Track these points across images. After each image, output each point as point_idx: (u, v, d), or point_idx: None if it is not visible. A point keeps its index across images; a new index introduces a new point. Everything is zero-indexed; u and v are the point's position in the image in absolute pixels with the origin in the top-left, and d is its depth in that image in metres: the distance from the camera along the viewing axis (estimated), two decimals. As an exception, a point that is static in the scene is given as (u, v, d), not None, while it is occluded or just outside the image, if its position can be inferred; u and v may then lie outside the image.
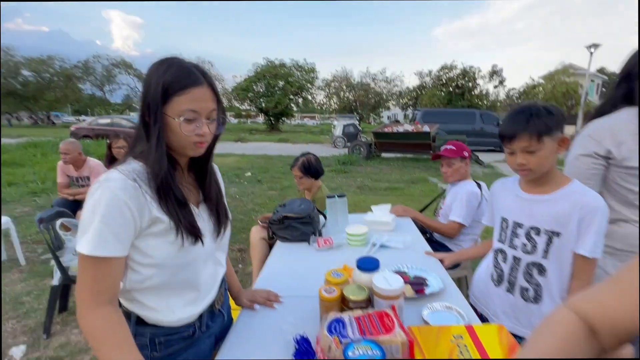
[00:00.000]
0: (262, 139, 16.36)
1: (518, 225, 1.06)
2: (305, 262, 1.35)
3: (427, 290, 1.07)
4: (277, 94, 22.44)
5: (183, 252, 0.71)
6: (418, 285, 1.10)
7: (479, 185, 1.87)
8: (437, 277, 1.15)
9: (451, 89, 25.41)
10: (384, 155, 9.67)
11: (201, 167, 0.81)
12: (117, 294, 0.67)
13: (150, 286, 0.71)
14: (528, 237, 1.03)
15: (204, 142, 0.72)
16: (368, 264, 0.95)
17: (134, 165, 0.68)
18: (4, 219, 2.65)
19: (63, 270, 1.85)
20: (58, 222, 1.94)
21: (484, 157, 9.06)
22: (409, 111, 29.34)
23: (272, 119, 24.28)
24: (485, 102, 25.27)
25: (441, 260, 1.31)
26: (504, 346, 0.76)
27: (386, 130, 8.95)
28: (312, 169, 2.08)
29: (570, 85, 19.31)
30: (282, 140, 16.11)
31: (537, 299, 1.02)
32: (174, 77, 0.66)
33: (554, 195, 0.98)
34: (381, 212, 1.72)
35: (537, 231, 1.00)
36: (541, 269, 1.01)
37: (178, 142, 0.70)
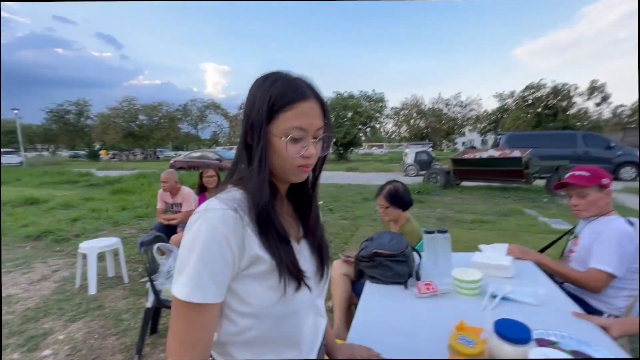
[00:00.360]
0: (331, 168, 16.63)
1: None
2: (406, 312, 1.12)
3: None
4: (345, 124, 23.00)
5: (285, 299, 0.58)
6: (583, 365, 0.79)
7: (631, 223, 1.43)
8: (606, 353, 0.82)
9: (540, 110, 22.80)
10: (464, 184, 8.84)
11: (302, 195, 0.70)
12: (209, 347, 0.56)
13: (248, 340, 0.59)
14: None
15: (309, 165, 0.61)
16: (513, 332, 0.70)
17: (234, 193, 0.60)
18: (115, 239, 3.06)
19: (156, 293, 1.94)
20: (155, 247, 2.07)
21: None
22: (488, 136, 27.09)
23: (340, 148, 24.82)
24: (584, 122, 21.95)
25: (605, 329, 0.96)
26: None
27: (467, 156, 8.22)
28: (400, 198, 1.88)
29: None
30: (351, 169, 16.15)
31: None
32: (280, 92, 0.57)
33: None
34: (494, 253, 1.41)
35: None
36: None
37: (281, 165, 0.60)
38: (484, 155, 7.91)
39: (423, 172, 10.16)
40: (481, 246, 1.49)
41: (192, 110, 36.78)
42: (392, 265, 1.36)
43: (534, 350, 0.65)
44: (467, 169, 8.22)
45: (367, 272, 1.40)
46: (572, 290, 1.52)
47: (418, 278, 1.34)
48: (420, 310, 1.13)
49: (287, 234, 0.62)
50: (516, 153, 7.46)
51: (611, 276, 1.36)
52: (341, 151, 24.92)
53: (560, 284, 1.54)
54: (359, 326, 1.06)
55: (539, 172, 7.73)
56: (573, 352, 0.84)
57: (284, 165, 0.60)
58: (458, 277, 1.22)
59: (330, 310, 1.84)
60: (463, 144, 38.13)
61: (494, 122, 26.14)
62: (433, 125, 25.25)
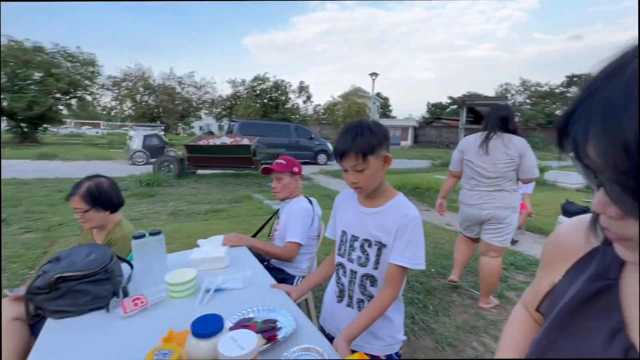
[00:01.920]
0: (7, 155, 12.09)
1: (355, 238, 1.19)
2: (105, 343, 1.01)
3: (280, 335, 1.01)
4: (31, 90, 17.29)
5: None
6: (269, 331, 1.03)
7: (310, 202, 2.04)
8: (287, 314, 1.12)
9: (265, 101, 27.65)
10: (200, 172, 9.21)
11: None
12: None
13: None
14: (362, 249, 1.17)
15: None
16: (207, 326, 0.80)
17: None
18: None
19: None
20: None
21: (302, 169, 10.28)
22: (224, 122, 29.65)
23: (24, 125, 18.49)
24: (297, 115, 28.99)
25: (288, 294, 1.31)
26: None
27: (201, 143, 8.58)
28: (104, 198, 1.65)
29: (361, 106, 25.16)
30: (44, 155, 12.40)
31: None
32: None
33: (381, 209, 1.16)
34: (211, 246, 1.56)
35: (370, 243, 1.15)
36: (373, 280, 1.16)
37: None
38: (218, 142, 8.59)
39: (154, 160, 9.59)
40: (199, 241, 1.60)
41: None
42: (89, 287, 1.18)
43: (221, 339, 0.76)
44: (202, 156, 8.63)
45: (48, 306, 1.13)
46: (275, 264, 1.97)
47: (125, 294, 1.24)
48: (125, 333, 1.05)
49: None
50: (245, 141, 8.67)
51: (299, 245, 1.88)
52: (25, 129, 18.64)
53: (268, 261, 1.95)
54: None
55: (264, 159, 9.42)
56: (264, 321, 1.08)
57: None
58: (170, 281, 1.24)
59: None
60: (200, 128, 39.56)
61: (229, 107, 28.92)
62: (165, 105, 24.16)
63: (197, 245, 1.58)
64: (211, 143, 8.52)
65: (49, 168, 9.47)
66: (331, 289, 1.29)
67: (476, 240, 2.68)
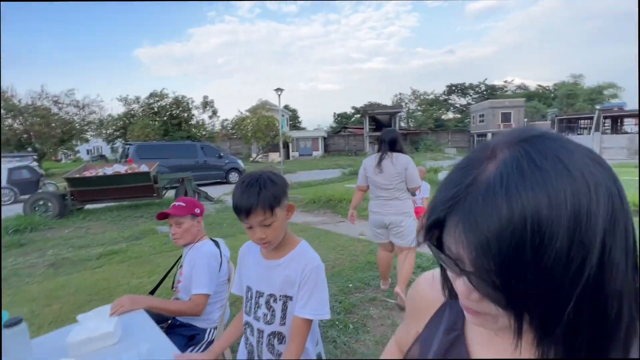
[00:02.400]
0: None
1: (260, 294, 1.14)
2: None
3: None
4: None
5: None
6: None
7: (217, 243, 1.93)
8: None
9: (166, 119, 25.76)
10: (88, 207, 8.03)
11: None
12: None
13: None
14: (268, 306, 1.13)
15: None
16: None
17: None
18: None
19: None
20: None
21: (211, 191, 9.79)
22: (118, 143, 26.68)
23: None
24: (203, 132, 27.66)
25: None
26: None
27: (88, 174, 7.48)
28: None
29: (270, 119, 25.25)
30: None
31: None
32: None
33: (284, 260, 1.14)
34: (96, 320, 1.34)
35: (275, 298, 1.12)
36: (280, 337, 1.13)
37: None
38: (109, 171, 7.63)
39: (25, 198, 8.01)
40: (80, 316, 1.36)
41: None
42: None
43: None
44: (90, 189, 7.53)
45: None
46: (183, 320, 1.80)
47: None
48: None
49: None
50: (144, 167, 7.88)
51: (207, 296, 1.74)
52: None
53: (173, 319, 1.77)
54: None
55: (168, 184, 8.69)
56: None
57: None
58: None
59: None
60: (88, 152, 34.88)
61: (122, 128, 26.12)
62: (38, 129, 20.59)
63: (76, 321, 1.34)
64: (100, 173, 7.50)
65: None
66: (241, 351, 1.22)
67: (390, 247, 3.10)
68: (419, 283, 0.65)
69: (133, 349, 1.25)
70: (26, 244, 5.35)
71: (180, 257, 2.01)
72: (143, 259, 4.52)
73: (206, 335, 1.78)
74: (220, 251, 1.89)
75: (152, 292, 2.06)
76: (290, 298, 1.10)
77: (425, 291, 0.62)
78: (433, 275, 0.61)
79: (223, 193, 10.19)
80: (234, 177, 13.67)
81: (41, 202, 7.23)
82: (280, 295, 1.10)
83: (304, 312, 1.07)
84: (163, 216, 1.85)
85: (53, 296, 3.33)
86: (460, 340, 0.54)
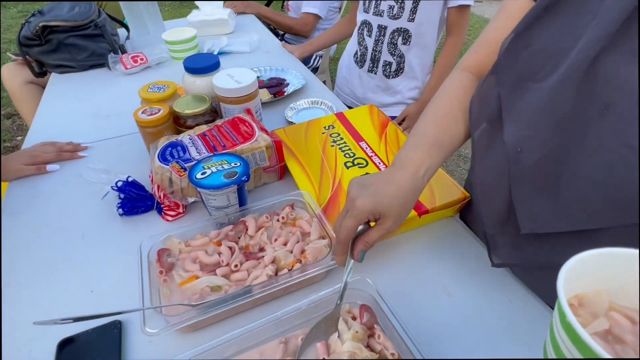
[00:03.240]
0: None
1: None
2: (111, 95, 1.02)
3: (288, 90, 0.97)
4: None
5: None
6: (276, 87, 0.98)
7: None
8: (296, 74, 1.05)
9: None
10: None
11: None
12: None
13: None
14: None
15: None
16: (202, 62, 0.74)
17: None
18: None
19: None
20: None
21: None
22: None
23: None
24: None
25: (291, 53, 1.22)
26: (376, 125, 0.77)
27: None
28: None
29: None
30: None
31: (398, 72, 1.08)
32: None
33: None
34: (212, 8, 1.37)
35: None
36: (406, 37, 1.01)
37: None
38: None
39: None
40: (197, 2, 1.40)
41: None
42: (84, 43, 1.12)
43: (217, 75, 0.71)
44: None
45: (48, 60, 1.11)
46: (290, 39, 1.81)
47: (123, 51, 1.18)
48: (131, 89, 1.04)
49: None
50: None
51: (317, 17, 1.65)
52: None
53: (282, 36, 1.78)
54: (41, 126, 0.89)
55: None
56: (271, 79, 1.03)
57: None
58: (168, 40, 1.14)
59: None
60: None
61: None
62: None
63: (197, 7, 1.40)
64: None
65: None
66: (348, 55, 1.17)
67: None
68: None
69: (245, 37, 1.30)
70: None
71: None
72: None
73: (311, 62, 1.80)
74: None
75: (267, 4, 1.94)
76: None
77: None
78: None
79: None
80: None
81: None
82: None
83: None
84: None
85: None
86: None
